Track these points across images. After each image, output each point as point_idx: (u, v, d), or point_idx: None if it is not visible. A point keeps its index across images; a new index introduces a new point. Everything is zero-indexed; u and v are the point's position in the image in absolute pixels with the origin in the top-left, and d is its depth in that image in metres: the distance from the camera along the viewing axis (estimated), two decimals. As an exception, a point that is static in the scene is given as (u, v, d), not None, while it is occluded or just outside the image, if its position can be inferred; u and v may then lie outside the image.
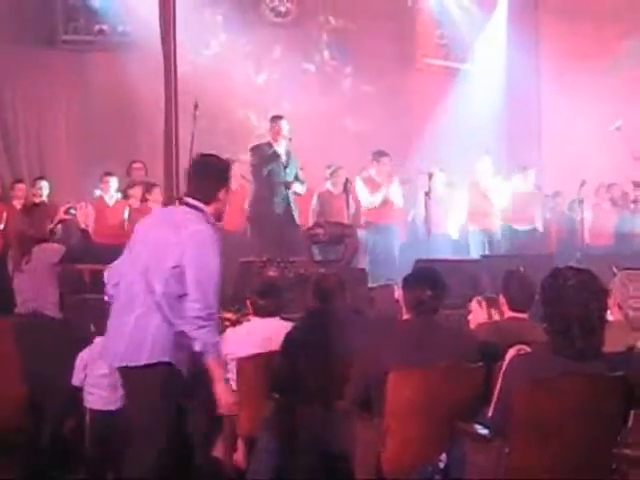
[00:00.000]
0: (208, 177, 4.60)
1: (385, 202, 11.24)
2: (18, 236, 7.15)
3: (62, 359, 6.82)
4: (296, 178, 10.51)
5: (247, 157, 11.08)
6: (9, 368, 6.87)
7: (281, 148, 10.31)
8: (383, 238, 11.22)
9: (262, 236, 10.04)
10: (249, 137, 13.21)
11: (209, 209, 4.54)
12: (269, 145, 10.32)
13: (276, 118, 10.51)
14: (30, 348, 6.79)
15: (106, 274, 4.84)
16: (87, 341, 6.78)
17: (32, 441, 6.75)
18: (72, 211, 11.41)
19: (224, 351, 5.80)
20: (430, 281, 4.89)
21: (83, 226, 7.89)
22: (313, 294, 5.81)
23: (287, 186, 10.44)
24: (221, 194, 4.60)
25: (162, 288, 4.36)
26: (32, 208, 7.68)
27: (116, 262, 4.77)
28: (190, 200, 4.54)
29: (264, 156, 10.18)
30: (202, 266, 4.37)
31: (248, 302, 6.08)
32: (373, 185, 11.25)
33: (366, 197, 11.24)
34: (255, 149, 10.43)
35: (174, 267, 4.35)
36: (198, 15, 12.47)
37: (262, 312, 5.88)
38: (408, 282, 4.92)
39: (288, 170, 10.33)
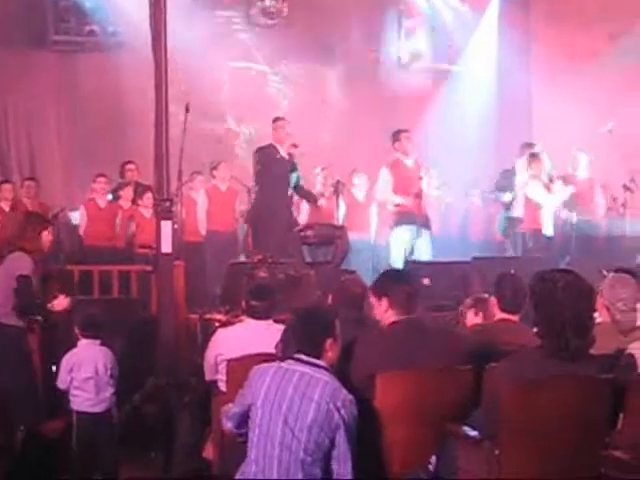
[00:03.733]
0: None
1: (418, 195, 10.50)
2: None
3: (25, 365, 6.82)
4: (298, 181, 10.42)
5: (236, 159, 11.07)
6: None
7: (284, 151, 10.17)
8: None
9: (263, 239, 9.82)
10: (237, 139, 13.27)
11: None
12: (273, 148, 10.16)
13: (278, 120, 10.36)
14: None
15: None
16: (71, 343, 6.78)
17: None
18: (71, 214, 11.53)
19: (214, 352, 5.84)
20: (404, 280, 4.92)
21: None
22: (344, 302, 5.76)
23: (311, 199, 10.29)
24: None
25: None
26: (24, 217, 7.62)
27: None
28: None
29: (269, 159, 10.02)
30: None
31: (243, 303, 6.07)
32: (404, 172, 10.61)
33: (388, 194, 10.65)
34: (259, 152, 10.27)
35: None
36: (189, 17, 12.43)
37: (256, 314, 5.88)
38: (383, 286, 4.91)
39: (293, 174, 10.21)
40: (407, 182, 10.52)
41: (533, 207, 11.08)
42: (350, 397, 4.33)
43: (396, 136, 10.71)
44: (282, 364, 4.39)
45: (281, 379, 4.30)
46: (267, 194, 10.14)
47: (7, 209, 11.24)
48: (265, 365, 4.42)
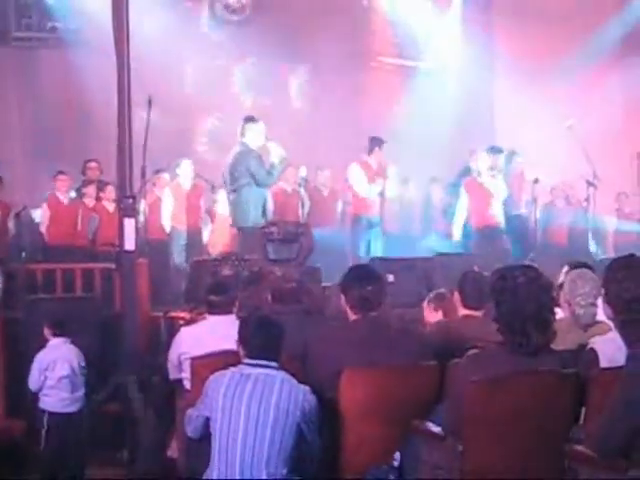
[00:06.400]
0: None
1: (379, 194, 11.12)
2: None
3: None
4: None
5: (200, 156, 10.98)
6: None
7: (258, 149, 9.69)
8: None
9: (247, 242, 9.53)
10: (202, 137, 13.22)
11: None
12: (248, 147, 9.61)
13: (250, 119, 9.83)
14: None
15: None
16: (41, 342, 6.73)
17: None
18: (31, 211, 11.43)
19: (178, 350, 5.81)
20: (367, 277, 4.91)
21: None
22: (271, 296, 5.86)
23: None
24: None
25: None
26: None
27: None
28: None
29: (245, 158, 9.52)
30: None
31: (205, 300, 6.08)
32: (371, 173, 11.09)
33: (364, 186, 11.06)
34: (235, 152, 9.65)
35: None
36: (152, 13, 12.37)
37: (216, 309, 5.88)
38: (346, 283, 4.92)
39: (272, 171, 9.67)
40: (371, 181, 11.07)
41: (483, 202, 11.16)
42: (308, 390, 4.39)
43: (373, 145, 11.11)
44: (237, 369, 4.44)
45: (237, 385, 4.35)
46: (244, 196, 9.58)
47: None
48: (220, 372, 4.46)
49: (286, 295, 5.98)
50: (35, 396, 6.64)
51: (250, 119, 9.70)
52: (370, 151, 11.14)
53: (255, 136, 9.56)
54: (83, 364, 6.67)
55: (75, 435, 6.60)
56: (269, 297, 6.05)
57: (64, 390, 6.54)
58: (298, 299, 5.92)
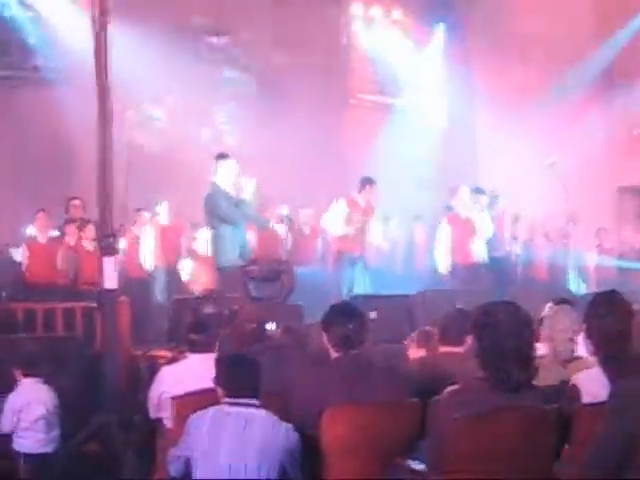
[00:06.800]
0: None
1: (363, 232, 11.11)
2: None
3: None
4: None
5: (181, 194, 10.95)
6: None
7: (231, 186, 9.56)
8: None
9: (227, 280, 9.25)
10: (183, 175, 13.22)
11: None
12: (218, 187, 9.50)
13: (223, 157, 9.72)
14: None
15: None
16: (11, 384, 6.66)
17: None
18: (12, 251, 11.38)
19: (158, 389, 5.78)
20: (349, 315, 4.90)
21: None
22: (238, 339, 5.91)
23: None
24: None
25: None
26: None
27: None
28: None
29: (213, 201, 9.47)
30: None
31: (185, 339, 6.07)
32: (356, 210, 11.08)
33: (339, 226, 11.05)
34: (206, 194, 9.57)
35: None
36: (133, 52, 12.42)
37: (196, 348, 5.87)
38: (328, 322, 4.91)
39: (243, 209, 9.62)
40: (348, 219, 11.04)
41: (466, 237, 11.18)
42: (290, 426, 4.38)
43: (364, 184, 11.09)
44: (218, 408, 4.43)
45: (218, 424, 4.34)
46: (222, 236, 9.52)
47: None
48: (201, 412, 4.44)
49: (247, 337, 6.01)
50: (8, 438, 6.56)
51: (221, 156, 9.65)
52: (360, 189, 11.12)
53: (226, 173, 9.48)
54: (56, 403, 6.61)
55: (52, 475, 6.53)
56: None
57: (40, 431, 6.47)
58: (259, 339, 5.95)
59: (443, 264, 11.18)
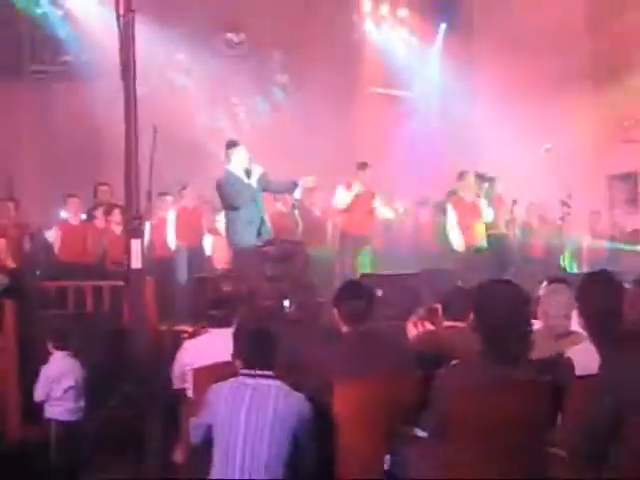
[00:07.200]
0: None
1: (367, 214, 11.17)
2: None
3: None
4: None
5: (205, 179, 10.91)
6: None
7: (242, 172, 9.33)
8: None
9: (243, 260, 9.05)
10: (206, 161, 13.21)
11: None
12: (230, 173, 9.32)
13: (233, 145, 9.51)
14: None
15: None
16: (44, 356, 6.69)
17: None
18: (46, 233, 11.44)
19: (181, 362, 5.80)
20: (358, 292, 4.91)
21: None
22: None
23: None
24: None
25: None
26: None
27: None
28: None
29: (222, 187, 9.30)
30: None
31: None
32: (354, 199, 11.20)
33: (342, 197, 11.19)
34: (220, 182, 9.36)
35: None
36: (157, 46, 12.44)
37: (216, 323, 5.87)
38: (338, 298, 4.93)
39: (259, 193, 9.39)
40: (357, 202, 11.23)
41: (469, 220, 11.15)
42: (302, 396, 4.39)
43: (358, 169, 11.19)
44: (236, 379, 4.43)
45: (236, 394, 4.35)
46: (238, 221, 9.29)
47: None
48: (221, 383, 4.45)
49: (264, 312, 6.03)
50: (41, 406, 6.60)
51: (232, 144, 9.54)
52: (357, 173, 11.20)
53: (237, 160, 9.37)
54: (84, 375, 6.65)
55: (80, 441, 6.57)
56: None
57: (69, 400, 6.52)
58: (276, 315, 5.96)
59: (458, 242, 11.14)
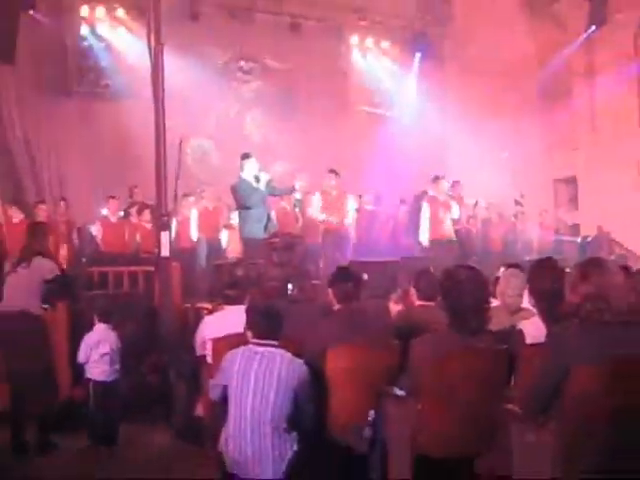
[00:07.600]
0: None
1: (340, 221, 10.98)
2: (23, 245, 6.81)
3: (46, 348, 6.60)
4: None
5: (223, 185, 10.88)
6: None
7: (253, 179, 9.31)
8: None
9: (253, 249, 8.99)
10: (225, 165, 13.23)
11: None
12: (243, 180, 9.30)
13: (247, 157, 9.48)
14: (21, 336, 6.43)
15: None
16: (90, 326, 6.71)
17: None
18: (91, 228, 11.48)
19: (202, 333, 5.80)
20: (348, 276, 4.93)
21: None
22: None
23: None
24: None
25: None
26: (34, 226, 7.38)
27: None
28: None
29: (235, 191, 9.33)
30: None
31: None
32: (328, 200, 10.93)
33: (318, 214, 10.95)
34: (234, 187, 9.36)
35: None
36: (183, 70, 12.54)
37: (230, 301, 5.87)
38: (332, 281, 4.95)
39: (259, 195, 9.33)
40: (333, 204, 10.99)
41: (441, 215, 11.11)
42: (302, 362, 4.40)
43: (331, 176, 10.94)
44: (247, 347, 4.43)
45: (247, 360, 4.36)
46: (250, 220, 9.34)
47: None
48: (234, 350, 4.45)
49: (272, 293, 6.05)
50: (82, 368, 6.62)
51: (245, 156, 9.56)
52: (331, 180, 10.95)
53: (249, 169, 9.36)
54: (119, 345, 6.67)
55: (114, 400, 6.59)
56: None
57: (105, 364, 6.52)
58: (281, 295, 5.98)
59: (425, 237, 11.11)
